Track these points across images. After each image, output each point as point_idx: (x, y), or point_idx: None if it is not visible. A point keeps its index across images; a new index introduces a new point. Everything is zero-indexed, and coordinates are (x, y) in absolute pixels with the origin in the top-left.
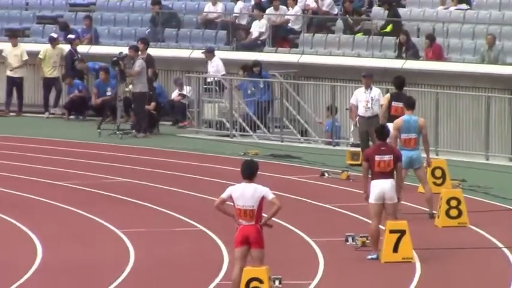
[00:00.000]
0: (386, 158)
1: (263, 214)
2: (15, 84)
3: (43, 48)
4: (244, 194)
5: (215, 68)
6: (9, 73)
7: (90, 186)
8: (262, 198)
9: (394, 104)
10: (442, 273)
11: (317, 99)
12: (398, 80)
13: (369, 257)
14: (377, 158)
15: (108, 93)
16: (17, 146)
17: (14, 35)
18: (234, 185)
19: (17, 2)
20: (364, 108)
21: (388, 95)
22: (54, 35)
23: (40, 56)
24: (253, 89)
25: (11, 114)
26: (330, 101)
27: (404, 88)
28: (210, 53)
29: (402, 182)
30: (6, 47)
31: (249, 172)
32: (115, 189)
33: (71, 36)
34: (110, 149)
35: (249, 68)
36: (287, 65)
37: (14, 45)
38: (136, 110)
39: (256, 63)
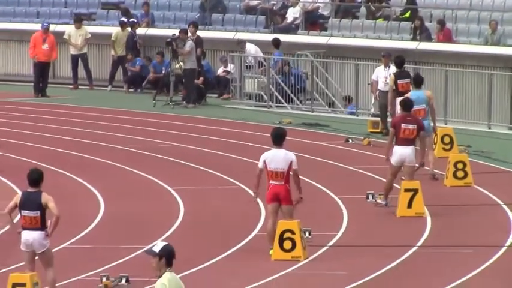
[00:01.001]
0: (411, 126)
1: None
2: (83, 60)
3: (114, 31)
4: (276, 158)
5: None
6: (72, 51)
7: (146, 150)
8: (291, 163)
9: (399, 81)
10: (449, 226)
11: (343, 75)
12: (399, 59)
13: (379, 201)
14: (403, 126)
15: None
16: (84, 114)
17: (79, 19)
18: (268, 150)
19: None
20: (383, 83)
21: (392, 75)
22: (124, 20)
23: (112, 38)
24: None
25: (80, 88)
26: (354, 77)
27: (418, 67)
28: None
29: (426, 149)
30: (71, 29)
31: (279, 139)
32: (168, 153)
33: (133, 20)
34: (163, 117)
35: (276, 45)
36: (317, 46)
37: (78, 27)
38: (186, 84)
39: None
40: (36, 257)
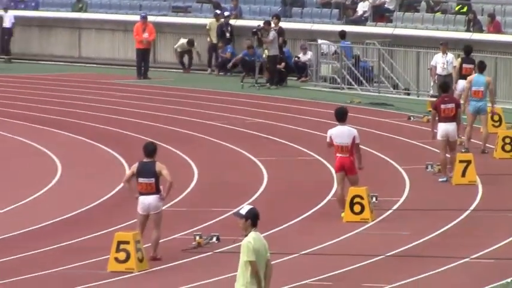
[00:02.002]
0: (449, 106)
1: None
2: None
3: (208, 21)
4: (340, 134)
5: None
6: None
7: (234, 126)
8: (354, 138)
9: (464, 65)
10: (498, 193)
11: (406, 62)
12: (468, 48)
13: (440, 179)
14: (442, 106)
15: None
16: (180, 94)
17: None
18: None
19: None
20: (441, 68)
21: (460, 59)
22: (218, 12)
23: (207, 27)
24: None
25: (177, 71)
26: (416, 63)
27: (472, 54)
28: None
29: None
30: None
31: (342, 116)
32: (253, 128)
33: (227, 13)
34: (249, 97)
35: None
36: (383, 36)
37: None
38: (270, 69)
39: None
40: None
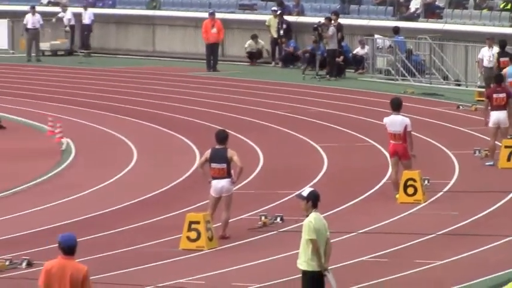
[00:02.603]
0: (501, 95)
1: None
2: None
3: (268, 17)
4: (393, 122)
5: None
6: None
7: (297, 114)
8: (406, 126)
9: (501, 59)
10: None
11: (455, 55)
12: (503, 43)
13: (487, 163)
14: (494, 95)
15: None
16: (249, 86)
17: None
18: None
19: None
20: (487, 61)
21: (496, 54)
22: (275, 8)
23: (266, 23)
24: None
25: (243, 64)
26: (464, 56)
27: (507, 47)
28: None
29: None
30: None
31: (396, 106)
32: (314, 116)
33: (281, 8)
34: (311, 88)
35: (395, 31)
36: (434, 31)
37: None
38: (329, 61)
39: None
40: None
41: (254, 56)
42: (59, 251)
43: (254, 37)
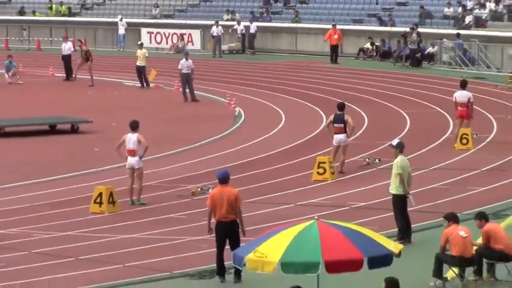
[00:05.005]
0: None
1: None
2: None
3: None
4: (461, 95)
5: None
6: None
7: (388, 91)
8: (469, 98)
9: None
10: None
11: (495, 52)
12: None
13: None
14: None
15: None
16: (357, 73)
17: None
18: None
19: None
20: None
21: None
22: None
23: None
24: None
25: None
26: (500, 53)
27: None
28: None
29: None
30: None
31: (464, 85)
32: (399, 91)
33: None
34: (398, 74)
35: (457, 36)
36: (481, 36)
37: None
38: (411, 56)
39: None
40: None
41: (365, 53)
42: (217, 182)
43: (370, 39)
